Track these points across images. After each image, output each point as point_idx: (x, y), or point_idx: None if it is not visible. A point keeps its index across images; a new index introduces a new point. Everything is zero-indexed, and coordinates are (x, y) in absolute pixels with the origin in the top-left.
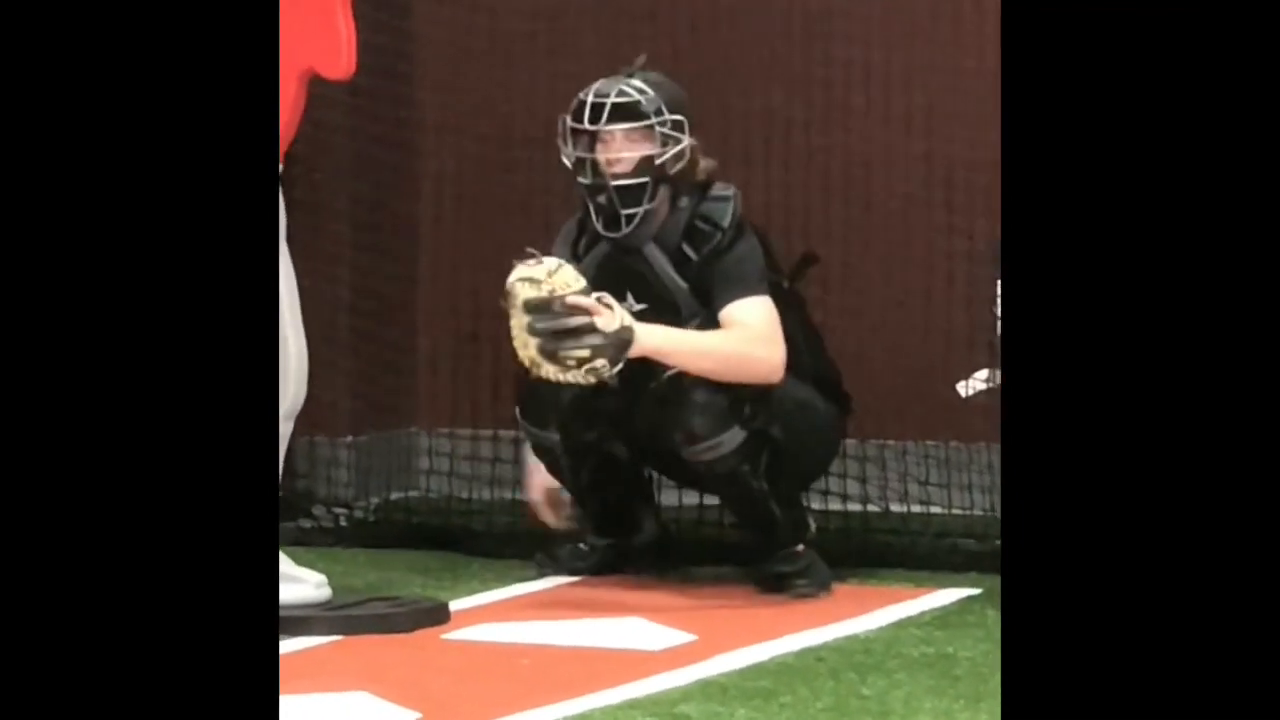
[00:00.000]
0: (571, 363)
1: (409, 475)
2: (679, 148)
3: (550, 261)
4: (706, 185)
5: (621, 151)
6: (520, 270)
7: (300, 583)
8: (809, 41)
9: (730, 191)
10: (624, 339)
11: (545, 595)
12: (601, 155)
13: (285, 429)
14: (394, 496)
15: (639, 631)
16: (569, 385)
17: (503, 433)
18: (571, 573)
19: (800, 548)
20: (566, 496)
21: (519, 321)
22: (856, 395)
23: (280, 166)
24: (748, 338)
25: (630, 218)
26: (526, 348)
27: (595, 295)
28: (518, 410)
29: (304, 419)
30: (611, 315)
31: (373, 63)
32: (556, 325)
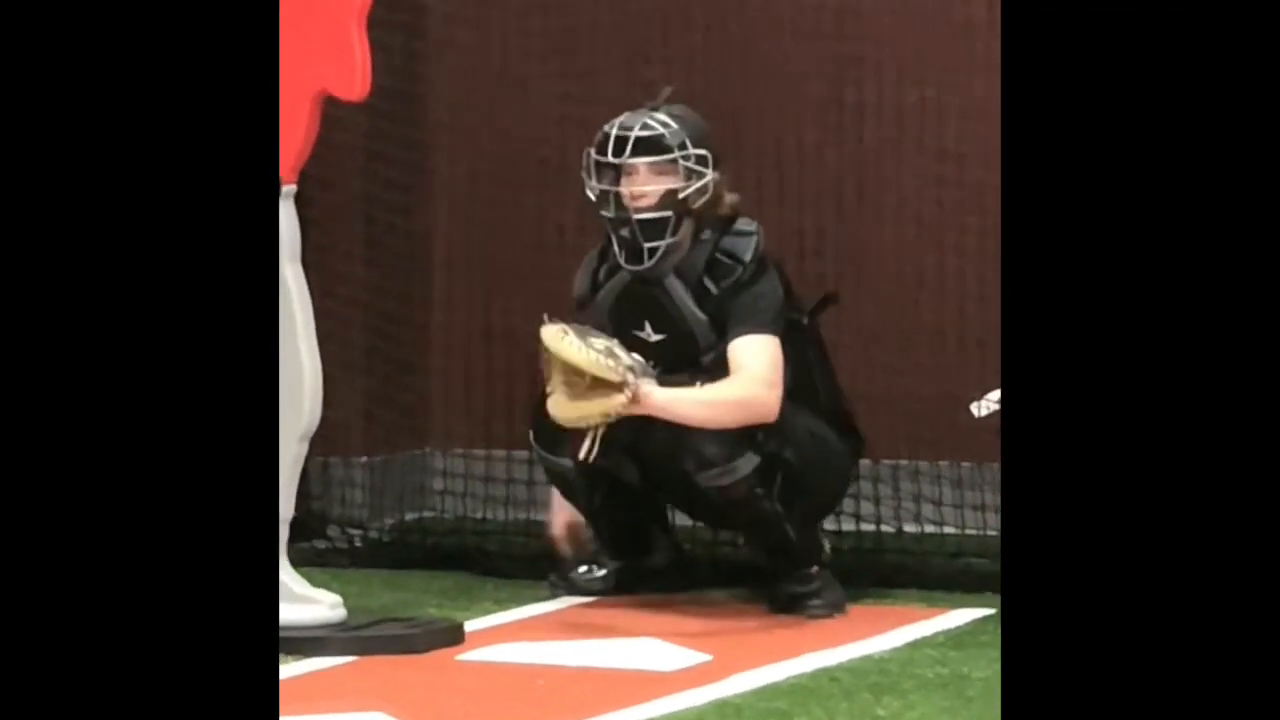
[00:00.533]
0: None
1: (423, 496)
2: (703, 182)
3: (595, 342)
4: (730, 219)
5: (645, 185)
6: (573, 353)
7: (315, 604)
8: (833, 71)
9: (754, 227)
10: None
11: (560, 616)
12: (625, 189)
13: (300, 450)
14: (408, 517)
15: (654, 652)
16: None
17: (516, 453)
18: (585, 594)
19: (815, 569)
20: (589, 533)
21: (557, 372)
22: (870, 416)
23: (294, 186)
24: (745, 381)
25: (653, 251)
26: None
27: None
28: (531, 435)
29: (318, 440)
30: (636, 400)
31: (387, 84)
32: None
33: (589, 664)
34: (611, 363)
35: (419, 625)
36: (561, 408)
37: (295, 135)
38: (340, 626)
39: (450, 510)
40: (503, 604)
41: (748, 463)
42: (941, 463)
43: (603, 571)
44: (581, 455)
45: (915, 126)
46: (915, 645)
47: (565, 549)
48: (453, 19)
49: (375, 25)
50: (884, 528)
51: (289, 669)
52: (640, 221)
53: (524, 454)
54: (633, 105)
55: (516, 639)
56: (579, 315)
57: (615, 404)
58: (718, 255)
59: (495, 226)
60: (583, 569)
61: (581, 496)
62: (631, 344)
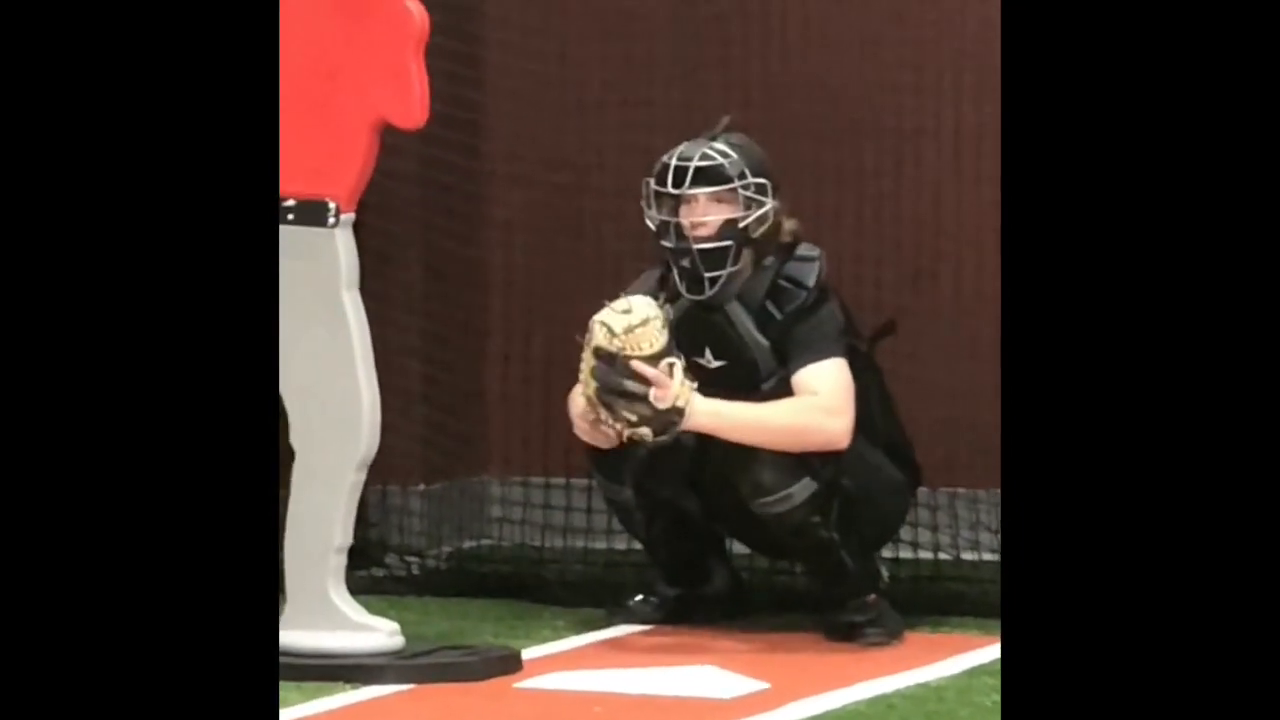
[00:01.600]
0: (617, 421)
1: (481, 524)
2: (762, 210)
3: (639, 311)
4: (792, 245)
5: (705, 215)
6: (606, 312)
7: (373, 631)
8: (892, 96)
9: (816, 253)
10: (670, 420)
11: (617, 643)
12: (685, 219)
13: (358, 478)
14: (466, 545)
15: (711, 680)
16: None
17: (575, 481)
18: (642, 622)
19: (872, 597)
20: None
21: (588, 361)
22: (928, 443)
23: (353, 215)
24: (810, 407)
25: (714, 280)
26: (587, 387)
27: (669, 361)
28: (591, 462)
29: (376, 468)
30: (668, 391)
31: (444, 112)
32: (613, 383)
33: (646, 692)
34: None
35: (477, 653)
36: (589, 389)
37: (353, 163)
38: (398, 654)
39: (508, 538)
40: (560, 632)
41: (804, 489)
42: (999, 490)
43: (659, 600)
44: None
45: (973, 150)
46: (972, 673)
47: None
48: (510, 46)
49: (433, 53)
50: (942, 555)
51: (347, 697)
52: (701, 251)
53: (582, 481)
54: (691, 133)
55: (574, 667)
56: None
57: (643, 409)
58: (780, 281)
59: (553, 254)
60: (639, 597)
61: (640, 527)
62: (692, 370)
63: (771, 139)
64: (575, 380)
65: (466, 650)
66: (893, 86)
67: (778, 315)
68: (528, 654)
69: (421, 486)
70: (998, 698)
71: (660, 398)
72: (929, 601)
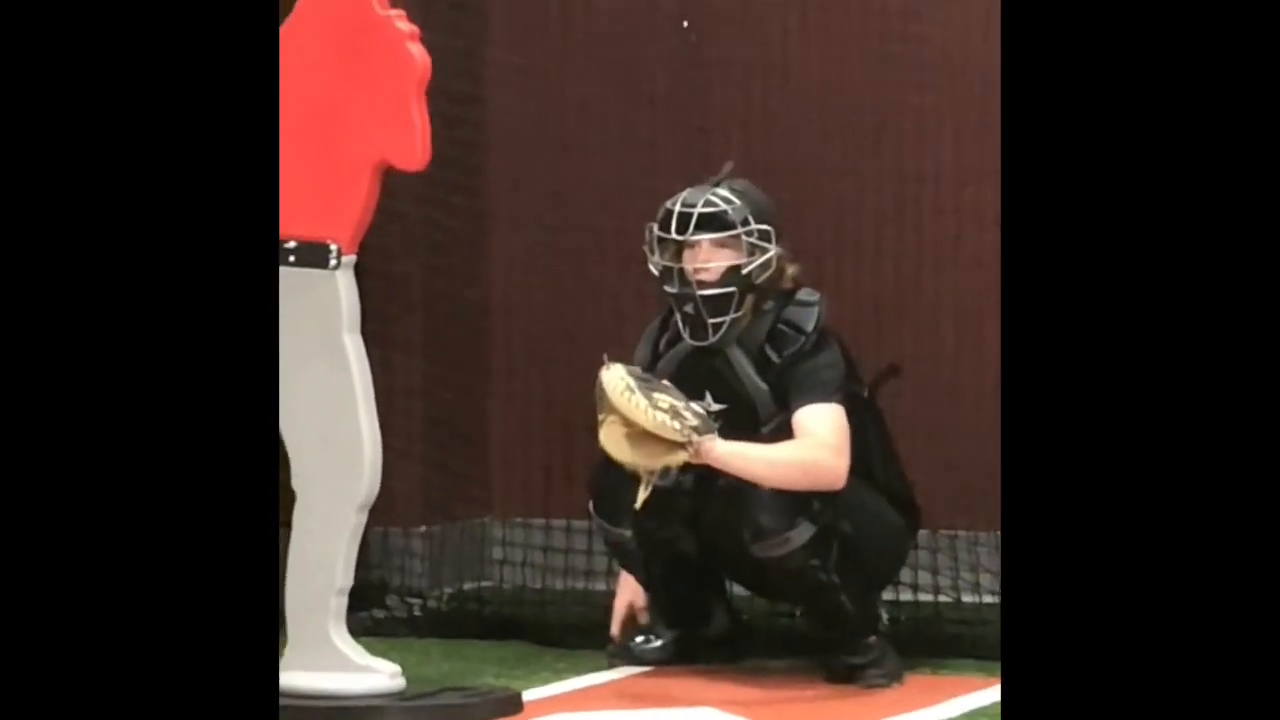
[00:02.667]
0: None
1: (482, 565)
2: (765, 257)
3: (660, 399)
4: (792, 291)
5: (709, 260)
6: (643, 416)
7: (374, 673)
8: (880, 137)
9: (815, 298)
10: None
11: (618, 686)
12: (688, 264)
13: (359, 519)
14: (467, 587)
15: None
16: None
17: (576, 523)
18: (642, 664)
19: (873, 639)
20: (645, 615)
21: (615, 424)
22: (929, 486)
23: (354, 257)
24: (813, 445)
25: (717, 326)
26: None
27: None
28: (591, 505)
29: (377, 509)
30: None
31: (446, 154)
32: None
33: None
34: (677, 424)
35: (478, 695)
36: (618, 448)
37: (355, 205)
38: (399, 696)
39: (509, 580)
40: (561, 674)
41: (802, 533)
42: (999, 533)
43: (660, 641)
44: (638, 504)
45: (975, 197)
46: (973, 715)
47: (618, 630)
48: (512, 88)
49: (435, 95)
50: (942, 598)
51: None
52: (704, 297)
53: (583, 523)
54: (692, 173)
55: (575, 709)
56: None
57: (675, 460)
58: (780, 326)
59: (555, 295)
60: (639, 639)
61: (639, 566)
62: None
63: (775, 179)
64: (576, 421)
65: (468, 692)
66: (895, 128)
67: (776, 360)
68: (529, 696)
69: (423, 528)
70: None
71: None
72: (929, 643)
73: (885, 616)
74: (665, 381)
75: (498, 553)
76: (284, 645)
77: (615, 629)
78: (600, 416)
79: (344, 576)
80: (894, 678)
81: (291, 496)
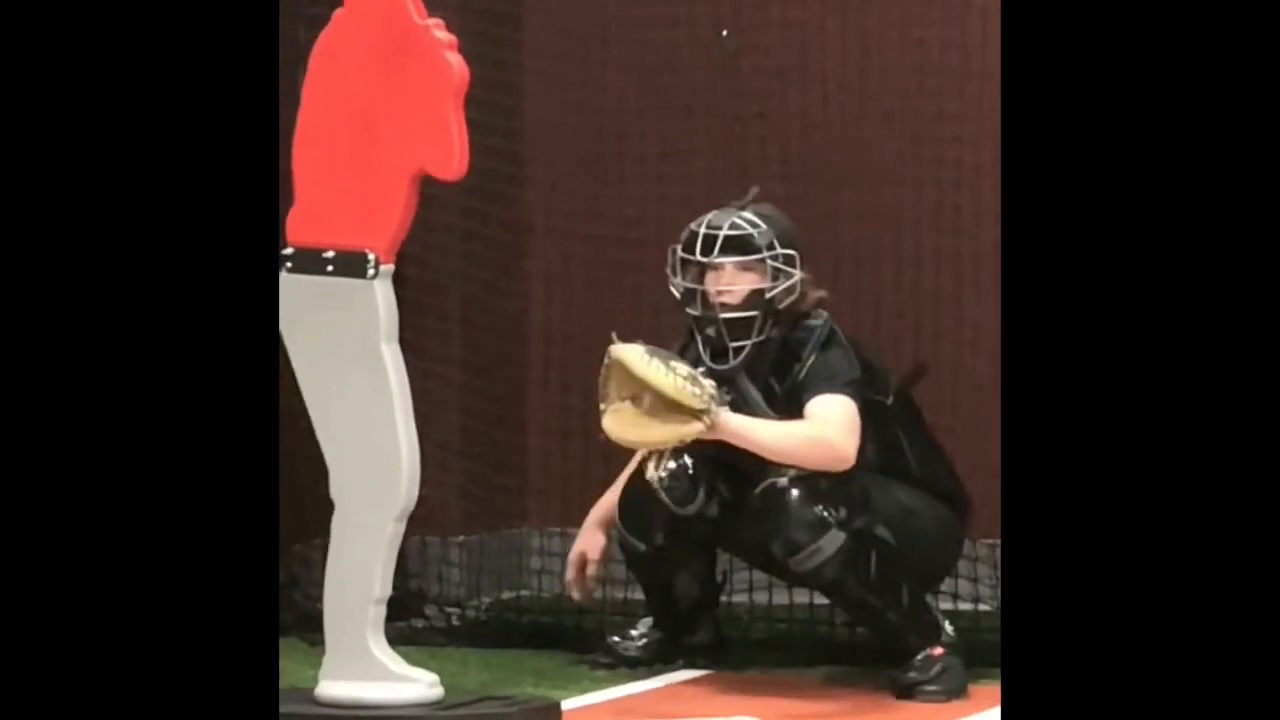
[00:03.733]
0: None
1: (520, 574)
2: (790, 282)
3: (678, 368)
4: (803, 315)
5: (732, 284)
6: (662, 381)
7: (412, 682)
8: (918, 143)
9: (820, 320)
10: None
11: (658, 694)
12: (712, 286)
13: (397, 529)
14: (505, 596)
15: None
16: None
17: (612, 531)
18: (624, 663)
19: (937, 650)
20: (594, 577)
21: (622, 410)
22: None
23: (392, 266)
24: (821, 424)
25: (738, 350)
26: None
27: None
28: (617, 514)
29: (416, 519)
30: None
31: (483, 164)
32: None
33: None
34: (697, 390)
35: (516, 704)
36: (629, 429)
37: (392, 215)
38: (438, 705)
39: (547, 588)
40: (600, 683)
41: (831, 542)
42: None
43: (643, 641)
44: (650, 475)
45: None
46: None
47: (572, 581)
48: (550, 100)
49: (472, 105)
50: (982, 606)
51: None
52: (727, 320)
53: (618, 531)
54: (729, 184)
55: (614, 718)
56: None
57: (690, 431)
58: (782, 354)
59: (591, 306)
60: (615, 638)
61: (648, 573)
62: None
63: (813, 186)
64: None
65: (506, 701)
66: (934, 135)
67: (778, 389)
68: (567, 705)
69: (461, 538)
70: None
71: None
72: (969, 653)
73: (949, 627)
74: (679, 359)
75: (536, 562)
76: (321, 655)
77: (570, 576)
78: (603, 405)
79: (382, 586)
80: (955, 694)
81: (330, 507)
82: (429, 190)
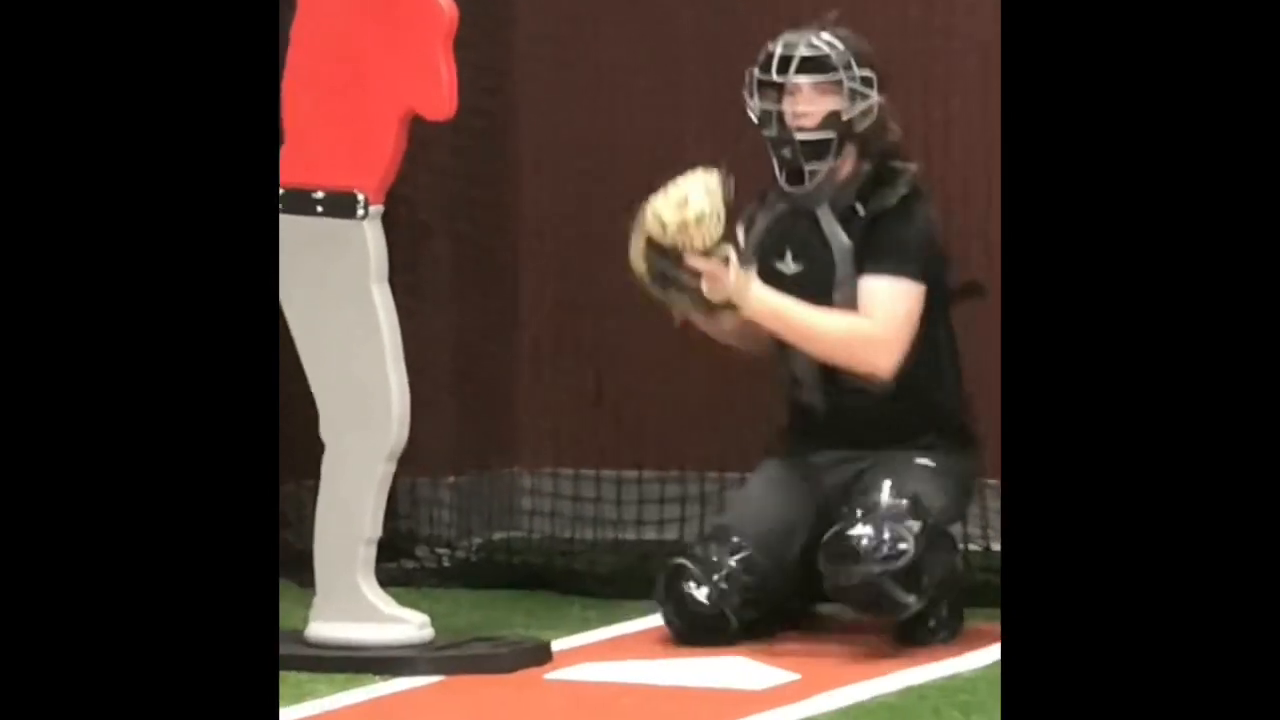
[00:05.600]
0: (672, 300)
1: (511, 515)
2: (867, 104)
3: (694, 204)
4: (890, 153)
5: (808, 105)
6: (661, 200)
7: (403, 623)
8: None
9: (910, 165)
10: (716, 307)
11: (647, 635)
12: (788, 108)
13: (387, 470)
14: (496, 537)
15: (742, 671)
16: None
17: (604, 472)
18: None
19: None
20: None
21: (638, 243)
22: None
23: (381, 207)
24: (863, 333)
25: (814, 173)
26: (637, 267)
27: (723, 255)
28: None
29: (406, 460)
30: (722, 285)
31: (473, 103)
32: (666, 273)
33: (677, 683)
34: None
35: (506, 645)
36: (640, 266)
37: (382, 156)
38: (428, 646)
39: (538, 530)
40: (590, 623)
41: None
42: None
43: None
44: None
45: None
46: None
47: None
48: (541, 37)
49: (462, 45)
50: (972, 546)
51: (376, 689)
52: (803, 143)
53: (611, 473)
54: (725, 124)
55: (604, 658)
56: None
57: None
58: (870, 184)
59: (583, 243)
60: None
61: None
62: (768, 275)
63: None
64: (605, 370)
65: (497, 642)
66: (922, 75)
67: (861, 213)
68: (557, 645)
69: (451, 479)
70: None
71: (714, 290)
72: (960, 592)
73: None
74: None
75: (526, 503)
76: (311, 596)
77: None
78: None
79: (372, 527)
80: (956, 633)
81: (320, 447)
82: (418, 130)
